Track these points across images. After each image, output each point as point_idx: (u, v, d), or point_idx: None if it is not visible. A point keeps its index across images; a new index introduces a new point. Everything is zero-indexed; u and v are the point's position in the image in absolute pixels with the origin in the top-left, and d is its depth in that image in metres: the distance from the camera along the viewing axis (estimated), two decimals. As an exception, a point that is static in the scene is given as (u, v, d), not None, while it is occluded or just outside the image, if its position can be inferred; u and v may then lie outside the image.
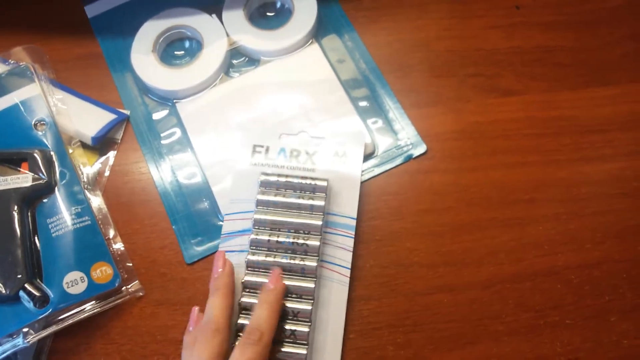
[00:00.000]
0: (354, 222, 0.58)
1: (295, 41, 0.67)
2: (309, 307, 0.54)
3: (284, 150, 0.60)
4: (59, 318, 0.55)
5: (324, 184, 0.57)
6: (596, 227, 0.60)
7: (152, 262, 0.60)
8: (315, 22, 0.67)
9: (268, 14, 0.71)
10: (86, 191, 0.61)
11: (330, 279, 0.56)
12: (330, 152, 0.60)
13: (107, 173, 0.64)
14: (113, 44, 0.70)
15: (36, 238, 0.57)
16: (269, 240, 0.55)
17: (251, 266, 0.55)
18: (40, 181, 0.59)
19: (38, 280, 0.56)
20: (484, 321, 0.57)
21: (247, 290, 0.55)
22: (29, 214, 0.58)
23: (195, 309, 0.55)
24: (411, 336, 0.56)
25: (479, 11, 0.70)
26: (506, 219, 0.60)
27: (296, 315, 0.53)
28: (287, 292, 0.54)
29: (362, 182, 0.61)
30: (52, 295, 0.55)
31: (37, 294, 0.54)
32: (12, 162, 0.60)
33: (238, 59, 0.68)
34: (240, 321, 0.53)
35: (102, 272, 0.57)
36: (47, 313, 0.54)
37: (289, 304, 0.54)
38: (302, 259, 0.55)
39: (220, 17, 0.68)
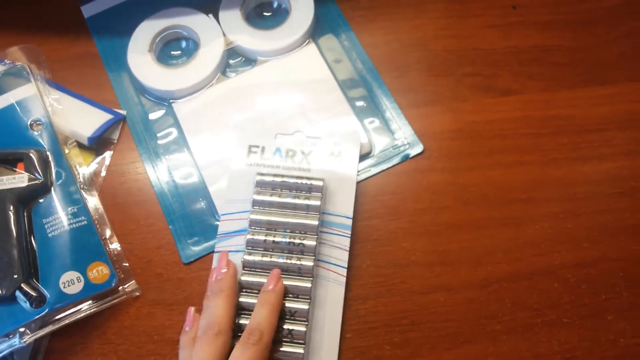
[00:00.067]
0: (350, 222, 0.58)
1: (292, 41, 0.67)
2: (306, 307, 0.54)
3: (279, 150, 0.60)
4: (56, 318, 0.55)
5: (320, 183, 0.57)
6: (593, 226, 0.60)
7: (148, 262, 0.60)
8: (312, 22, 0.67)
9: (265, 13, 0.70)
10: (82, 191, 0.61)
11: (327, 278, 0.56)
12: (326, 152, 0.60)
13: (103, 173, 0.64)
14: (109, 44, 0.70)
15: (32, 238, 0.57)
16: (265, 240, 0.55)
17: (247, 266, 0.55)
18: (36, 181, 0.59)
19: (34, 280, 0.56)
20: (481, 320, 0.56)
21: (244, 290, 0.55)
22: (25, 214, 0.58)
23: (191, 309, 0.54)
24: (408, 335, 0.56)
25: (476, 10, 0.70)
26: (503, 218, 0.60)
27: (293, 315, 0.53)
28: (284, 292, 0.54)
29: (359, 182, 0.61)
30: (49, 295, 0.55)
31: (33, 294, 0.54)
32: (8, 162, 0.60)
33: (235, 59, 0.68)
34: (238, 321, 0.53)
35: (99, 272, 0.57)
36: (44, 313, 0.54)
37: (286, 304, 0.54)
38: (299, 259, 0.54)
39: (217, 17, 0.68)
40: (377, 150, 0.63)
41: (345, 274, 0.56)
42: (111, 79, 0.68)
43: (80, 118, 0.65)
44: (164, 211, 0.62)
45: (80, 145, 0.64)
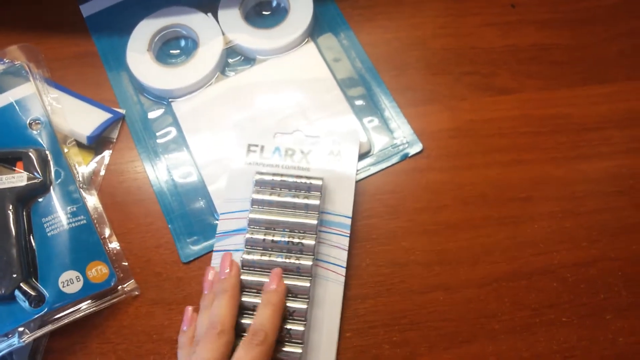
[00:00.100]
0: (349, 221, 0.58)
1: (291, 40, 0.67)
2: (305, 306, 0.54)
3: (278, 149, 0.60)
4: (55, 317, 0.55)
5: (319, 183, 0.57)
6: (592, 225, 0.60)
7: (147, 262, 0.60)
8: (311, 21, 0.67)
9: (264, 12, 0.70)
10: (81, 190, 0.61)
11: (326, 277, 0.56)
12: (325, 151, 0.60)
13: (102, 172, 0.64)
14: (108, 43, 0.70)
15: (31, 237, 0.57)
16: (264, 239, 0.55)
17: (246, 265, 0.55)
18: (36, 180, 0.59)
19: (33, 279, 0.56)
20: (479, 320, 0.57)
21: (244, 289, 0.54)
22: (24, 213, 0.58)
23: (189, 308, 0.55)
24: (407, 335, 0.56)
25: (475, 9, 0.70)
26: (502, 217, 0.60)
27: (292, 315, 0.53)
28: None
29: (358, 181, 0.61)
30: (48, 295, 0.55)
31: (32, 293, 0.54)
32: (7, 161, 0.60)
33: (234, 58, 0.68)
34: (246, 321, 0.53)
35: (98, 271, 0.57)
36: (43, 312, 0.54)
37: (285, 303, 0.54)
38: (298, 258, 0.54)
39: (216, 16, 0.68)
40: (376, 149, 0.63)
41: (344, 274, 0.56)
42: (110, 78, 0.68)
43: (79, 117, 0.65)
44: (163, 210, 0.62)
45: (79, 145, 0.64)
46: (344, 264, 0.56)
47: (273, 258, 0.55)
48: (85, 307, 0.56)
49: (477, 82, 0.66)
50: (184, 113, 0.65)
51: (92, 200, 0.61)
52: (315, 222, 0.55)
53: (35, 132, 0.62)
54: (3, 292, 0.54)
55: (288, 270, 0.55)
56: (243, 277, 0.54)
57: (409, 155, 0.63)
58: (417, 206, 0.61)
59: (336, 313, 0.56)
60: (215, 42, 0.67)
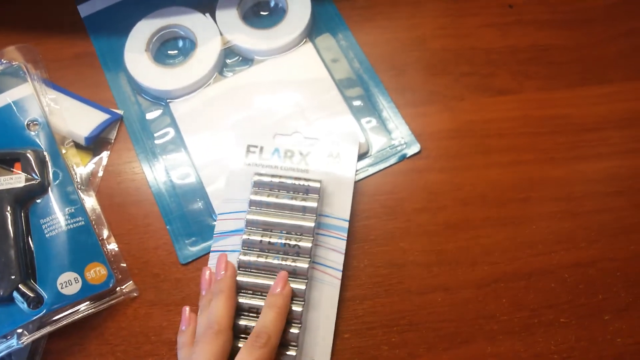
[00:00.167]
0: (346, 224, 0.57)
1: (289, 40, 0.66)
2: (300, 309, 0.53)
3: (278, 150, 0.60)
4: (53, 319, 0.55)
5: (317, 185, 0.57)
6: (591, 225, 0.60)
7: (146, 263, 0.60)
8: (309, 21, 0.67)
9: (262, 13, 0.70)
10: (79, 191, 0.60)
11: (322, 280, 0.56)
12: (324, 153, 0.60)
13: (100, 173, 0.64)
14: (106, 43, 0.69)
15: (30, 239, 0.57)
16: (261, 240, 0.55)
17: (243, 266, 0.55)
18: (33, 181, 0.59)
19: (32, 281, 0.56)
20: (478, 320, 0.57)
21: (241, 290, 0.55)
22: (22, 214, 0.58)
23: (186, 308, 0.55)
24: (406, 336, 0.56)
25: (474, 9, 0.70)
26: (501, 218, 0.60)
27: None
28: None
29: (356, 182, 0.61)
30: (46, 296, 0.55)
31: (31, 294, 0.54)
32: (5, 162, 0.59)
33: (232, 59, 0.68)
34: (238, 322, 0.53)
35: (96, 272, 0.57)
36: (41, 314, 0.54)
37: None
38: (294, 261, 0.54)
39: (213, 16, 0.68)
40: (374, 150, 0.63)
41: (340, 277, 0.56)
42: (108, 79, 0.68)
43: (77, 118, 0.65)
44: (161, 211, 0.62)
45: (77, 145, 0.64)
46: (341, 267, 0.56)
47: (269, 260, 0.54)
48: (83, 308, 0.56)
49: (476, 83, 0.66)
50: (182, 114, 0.65)
51: (90, 202, 0.61)
52: (312, 224, 0.55)
53: (33, 133, 0.62)
54: (1, 293, 0.54)
55: (284, 273, 0.55)
56: (240, 278, 0.54)
57: (407, 156, 0.63)
58: (415, 207, 0.61)
59: (331, 316, 0.55)
60: (213, 42, 0.67)
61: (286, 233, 0.56)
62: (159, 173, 0.63)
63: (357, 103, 0.65)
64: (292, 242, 0.55)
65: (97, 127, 0.64)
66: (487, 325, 0.56)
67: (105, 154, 0.64)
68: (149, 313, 0.58)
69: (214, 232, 0.58)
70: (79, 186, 0.61)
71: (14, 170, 0.59)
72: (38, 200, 0.59)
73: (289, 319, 0.53)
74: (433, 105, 0.65)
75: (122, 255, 0.60)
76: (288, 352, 0.53)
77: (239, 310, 0.53)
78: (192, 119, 0.65)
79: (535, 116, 0.64)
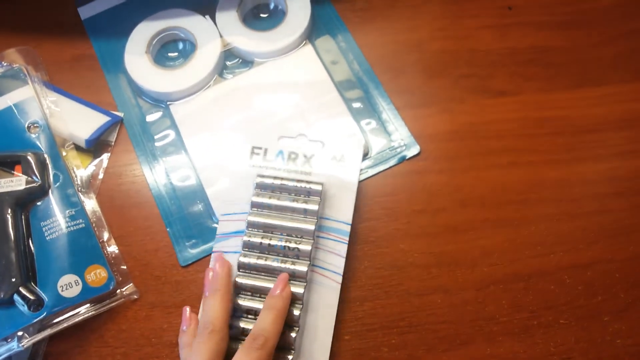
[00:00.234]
0: (348, 228, 0.57)
1: (289, 42, 0.67)
2: (298, 312, 0.53)
3: (282, 152, 0.60)
4: (54, 321, 0.55)
5: (319, 187, 0.57)
6: (589, 227, 0.60)
7: (146, 265, 0.60)
8: (308, 23, 0.67)
9: (261, 15, 0.70)
10: (80, 194, 0.61)
11: (321, 284, 0.56)
12: (328, 155, 0.59)
13: (101, 175, 0.64)
14: (106, 46, 0.70)
15: (30, 241, 0.57)
16: (261, 242, 0.55)
17: (243, 268, 0.55)
18: (34, 184, 0.59)
19: (32, 283, 0.56)
20: (478, 322, 0.57)
21: (241, 292, 0.55)
22: (23, 217, 0.58)
23: (187, 308, 0.55)
24: (405, 337, 0.56)
25: (472, 11, 0.70)
26: (500, 219, 0.60)
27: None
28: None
29: (356, 184, 0.61)
30: (47, 299, 0.55)
31: (31, 297, 0.54)
32: (6, 165, 0.60)
33: (232, 61, 0.68)
34: (239, 324, 0.53)
35: (97, 275, 0.57)
36: (42, 316, 0.54)
37: None
38: (293, 263, 0.54)
39: (213, 19, 0.68)
40: (373, 152, 0.63)
41: (340, 281, 0.56)
42: (108, 81, 0.68)
43: (78, 120, 0.65)
44: (161, 213, 0.62)
45: (77, 148, 0.64)
46: (341, 271, 0.56)
47: (269, 262, 0.54)
48: (84, 311, 0.56)
49: (475, 84, 0.66)
50: (182, 116, 0.65)
51: (90, 204, 0.62)
52: (312, 227, 0.55)
53: (33, 135, 0.62)
54: (2, 296, 0.54)
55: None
56: (239, 280, 0.54)
57: (407, 157, 0.63)
58: (415, 208, 0.61)
59: (330, 320, 0.55)
60: (213, 44, 0.67)
61: (286, 235, 0.56)
62: (159, 175, 0.63)
63: (356, 105, 0.65)
64: (292, 245, 0.55)
65: (97, 129, 0.64)
66: (487, 327, 0.56)
67: (105, 156, 0.65)
68: (150, 315, 0.58)
69: (217, 233, 0.58)
70: (79, 188, 0.61)
71: (14, 172, 0.59)
72: (38, 203, 0.59)
73: (287, 321, 0.53)
74: (432, 107, 0.65)
75: (122, 257, 0.60)
76: (285, 356, 0.52)
77: (239, 312, 0.53)
78: (192, 121, 0.65)
79: (534, 118, 0.65)
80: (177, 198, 0.62)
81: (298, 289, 0.54)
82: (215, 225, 0.60)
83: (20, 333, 0.54)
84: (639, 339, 0.56)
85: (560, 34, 0.69)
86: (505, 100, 0.65)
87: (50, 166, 0.61)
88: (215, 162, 0.63)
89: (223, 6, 0.69)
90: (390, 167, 0.63)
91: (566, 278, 0.58)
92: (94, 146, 0.64)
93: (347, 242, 0.56)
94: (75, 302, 0.56)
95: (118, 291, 0.58)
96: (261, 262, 0.55)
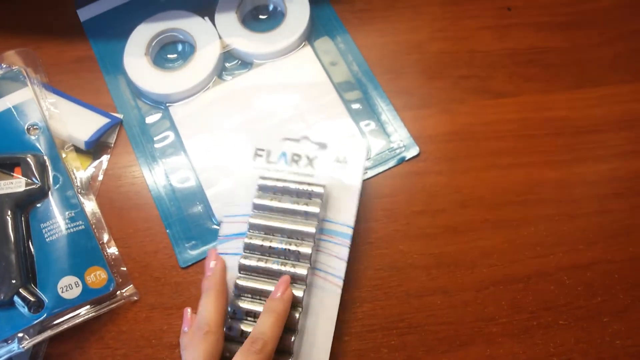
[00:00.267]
0: (350, 231, 0.55)
1: (288, 44, 0.67)
2: (297, 315, 0.53)
3: (285, 154, 0.59)
4: (54, 323, 0.56)
5: (320, 190, 0.56)
6: (589, 228, 0.60)
7: (146, 266, 0.60)
8: (307, 25, 0.67)
9: (261, 16, 0.71)
10: (80, 195, 0.61)
11: (322, 287, 0.55)
12: (331, 157, 0.58)
13: (100, 177, 0.64)
14: (106, 47, 0.70)
15: (30, 243, 0.57)
16: (262, 245, 0.54)
17: (244, 270, 0.55)
18: (34, 186, 0.59)
19: (32, 285, 0.56)
20: (477, 323, 0.57)
21: (242, 295, 0.54)
22: (23, 218, 0.58)
23: (188, 309, 0.54)
24: (405, 338, 0.56)
25: (472, 12, 0.70)
26: (499, 220, 0.60)
27: None
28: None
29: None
30: (47, 300, 0.55)
31: (31, 299, 0.55)
32: (5, 167, 0.60)
33: (231, 62, 0.68)
34: (240, 326, 0.53)
35: (97, 276, 0.57)
36: (42, 318, 0.55)
37: None
38: (293, 266, 0.53)
39: (212, 20, 0.68)
40: (373, 153, 0.63)
41: (341, 285, 0.54)
42: (108, 83, 0.68)
43: (77, 122, 0.65)
44: (161, 215, 0.62)
45: (77, 150, 0.64)
46: (342, 275, 0.54)
47: (269, 264, 0.54)
48: (84, 312, 0.56)
49: (474, 86, 0.66)
50: (181, 117, 0.65)
51: (90, 206, 0.62)
52: (313, 230, 0.54)
53: (33, 137, 0.62)
54: (2, 297, 0.54)
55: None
56: (240, 282, 0.54)
57: (406, 158, 0.63)
58: (414, 209, 0.61)
59: (330, 324, 0.54)
60: (212, 46, 0.67)
61: (287, 238, 0.55)
62: (159, 177, 0.63)
63: (356, 106, 0.65)
64: (292, 247, 0.54)
65: (97, 131, 0.64)
66: (486, 328, 0.57)
67: (105, 158, 0.65)
68: (150, 317, 0.58)
69: (219, 235, 0.58)
70: (79, 190, 0.61)
71: (14, 174, 0.59)
72: (38, 205, 0.59)
73: (287, 325, 0.52)
74: (432, 108, 0.65)
75: (122, 259, 0.60)
76: (282, 358, 0.52)
77: (239, 315, 0.53)
78: (191, 123, 0.65)
79: (534, 119, 0.65)
80: (176, 199, 0.62)
81: (298, 292, 0.53)
82: (215, 226, 0.61)
83: (20, 334, 0.54)
84: (638, 340, 0.56)
85: (559, 34, 0.69)
86: (505, 101, 0.66)
87: (49, 168, 0.61)
88: (214, 164, 0.63)
89: (222, 8, 0.69)
90: (390, 168, 0.63)
91: (566, 279, 0.58)
92: (94, 148, 0.65)
93: (349, 245, 0.55)
94: (76, 304, 0.56)
95: (118, 292, 0.58)
96: (261, 264, 0.54)
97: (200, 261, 0.60)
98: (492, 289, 0.58)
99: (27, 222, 0.58)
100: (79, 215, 0.59)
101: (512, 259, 0.59)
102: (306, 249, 0.54)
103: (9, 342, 0.54)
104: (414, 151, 0.63)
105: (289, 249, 0.54)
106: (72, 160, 0.63)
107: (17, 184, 0.59)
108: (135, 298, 0.59)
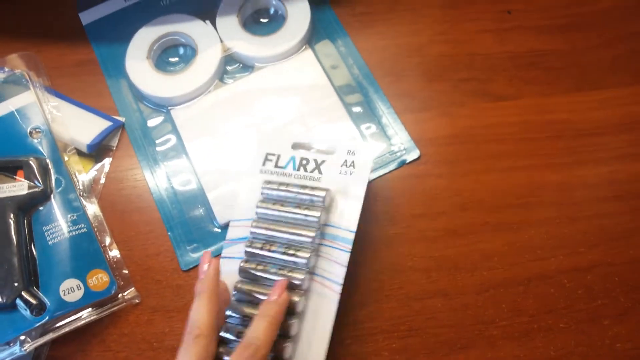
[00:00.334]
0: (352, 236, 0.54)
1: (289, 47, 0.67)
2: (293, 321, 0.51)
3: (293, 158, 0.58)
4: (56, 326, 0.56)
5: (322, 195, 0.54)
6: (589, 230, 0.60)
7: (147, 269, 0.60)
8: (308, 28, 0.67)
9: (262, 20, 0.71)
10: (82, 198, 0.61)
11: (320, 293, 0.53)
12: (339, 162, 0.57)
13: (102, 180, 0.64)
14: (108, 51, 0.70)
15: (32, 246, 0.58)
16: (261, 249, 0.54)
17: (243, 274, 0.54)
18: (36, 189, 0.59)
19: (34, 288, 0.56)
20: (478, 326, 0.57)
21: (241, 299, 0.54)
22: (25, 221, 0.58)
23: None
24: (406, 341, 0.57)
25: (472, 15, 0.70)
26: (499, 223, 0.60)
27: None
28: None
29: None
30: (49, 303, 0.55)
31: (33, 301, 0.55)
32: (8, 170, 0.60)
33: (232, 65, 0.68)
34: (240, 332, 0.51)
35: (98, 279, 0.57)
36: (44, 321, 0.55)
37: None
38: (291, 271, 0.53)
39: (214, 24, 0.68)
40: (374, 156, 0.63)
41: (339, 291, 0.53)
42: (110, 86, 0.68)
43: (80, 125, 0.65)
44: (162, 218, 0.62)
45: (79, 153, 0.65)
46: (341, 281, 0.53)
47: (268, 269, 0.53)
48: (86, 315, 0.57)
49: (475, 88, 0.66)
50: (183, 120, 0.66)
51: (92, 209, 0.62)
52: (312, 236, 0.53)
53: (35, 140, 0.62)
54: (4, 300, 0.54)
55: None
56: (239, 285, 0.53)
57: (407, 161, 0.63)
58: (415, 212, 0.61)
59: (326, 331, 0.52)
60: (214, 49, 0.67)
61: (286, 243, 0.54)
62: (161, 180, 0.64)
63: (356, 109, 0.65)
64: (291, 252, 0.53)
65: (99, 134, 0.64)
66: (487, 331, 0.57)
67: (107, 161, 0.65)
68: (151, 319, 0.59)
69: (226, 239, 0.57)
70: (81, 193, 0.61)
71: (16, 177, 0.60)
72: (41, 208, 0.59)
73: (281, 330, 0.50)
74: (432, 111, 0.65)
75: (124, 261, 0.60)
76: None
77: (238, 320, 0.52)
78: (193, 126, 0.65)
79: (534, 121, 0.65)
80: (178, 202, 0.63)
81: (294, 297, 0.52)
82: (217, 229, 0.61)
83: (22, 337, 0.54)
84: (638, 343, 0.56)
85: (559, 37, 0.69)
86: (505, 104, 0.66)
87: (52, 171, 0.61)
88: (216, 167, 0.63)
89: (223, 11, 0.69)
90: (390, 171, 0.63)
91: (566, 282, 0.58)
92: (96, 151, 0.65)
93: (350, 250, 0.54)
94: (77, 307, 0.56)
95: (120, 295, 0.59)
96: (260, 269, 0.53)
97: (202, 264, 0.60)
98: (492, 292, 0.58)
99: (29, 225, 0.59)
100: (81, 218, 0.59)
101: (512, 262, 0.59)
102: (304, 256, 0.53)
103: (11, 344, 0.55)
104: (414, 154, 0.63)
105: (287, 253, 0.53)
106: (74, 164, 0.63)
107: (19, 187, 0.59)
108: (137, 301, 0.59)
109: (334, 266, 0.54)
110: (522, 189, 0.62)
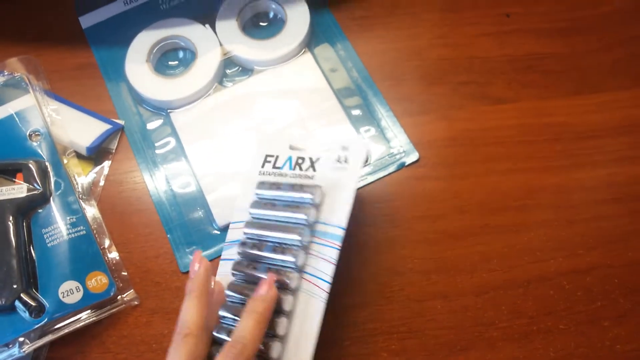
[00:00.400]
0: (341, 232, 0.53)
1: (288, 50, 0.67)
2: (280, 320, 0.50)
3: (290, 158, 0.58)
4: (55, 327, 0.56)
5: (309, 196, 0.54)
6: (588, 233, 0.60)
7: (146, 271, 0.60)
8: (307, 32, 0.68)
9: (261, 23, 0.71)
10: (81, 201, 0.61)
11: (308, 291, 0.52)
12: (332, 158, 0.56)
13: (101, 183, 0.64)
14: (107, 54, 0.70)
15: (31, 248, 0.58)
16: (252, 249, 0.53)
17: (235, 274, 0.54)
18: (35, 191, 0.59)
19: (34, 290, 0.56)
20: (477, 328, 0.57)
21: (233, 299, 0.53)
22: (24, 224, 0.59)
23: None
24: (406, 343, 0.57)
25: (471, 19, 0.70)
26: (499, 225, 0.61)
27: None
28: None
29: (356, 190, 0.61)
30: (48, 305, 0.55)
31: (32, 303, 0.55)
32: (7, 172, 0.60)
33: (231, 69, 0.69)
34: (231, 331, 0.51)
35: (98, 281, 0.57)
36: (43, 322, 0.55)
37: None
38: (280, 270, 0.52)
39: (213, 27, 0.69)
40: (373, 159, 0.63)
41: (327, 289, 0.51)
42: (109, 89, 0.68)
43: (79, 128, 0.65)
44: (162, 220, 0.62)
45: (78, 156, 0.65)
46: (329, 279, 0.51)
47: (257, 269, 0.53)
48: (85, 317, 0.57)
49: (474, 92, 0.66)
50: (182, 123, 0.66)
51: (91, 211, 0.62)
52: (299, 236, 0.52)
53: (35, 143, 0.62)
54: (3, 302, 0.54)
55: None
56: (231, 285, 0.53)
57: (406, 164, 0.63)
58: (414, 215, 0.61)
59: (314, 330, 0.51)
60: (213, 53, 0.67)
61: (276, 243, 0.53)
62: (160, 182, 0.64)
63: (356, 112, 0.66)
64: (280, 251, 0.52)
65: (98, 137, 0.64)
66: (487, 333, 0.57)
67: (106, 164, 0.65)
68: (150, 321, 0.58)
69: (225, 241, 0.57)
70: (80, 196, 0.62)
71: (16, 180, 0.60)
72: (40, 210, 0.59)
73: (269, 330, 0.49)
74: (431, 114, 0.66)
75: (123, 264, 0.60)
76: None
77: (228, 319, 0.51)
78: (192, 129, 0.65)
79: (532, 124, 0.65)
80: (177, 205, 0.63)
81: (283, 296, 0.51)
82: (216, 231, 0.61)
83: (21, 339, 0.54)
84: (638, 344, 0.56)
85: (558, 40, 0.69)
86: (503, 107, 0.66)
87: (51, 174, 0.61)
88: (215, 169, 0.63)
89: (223, 15, 0.69)
90: (390, 174, 0.63)
91: (565, 284, 0.58)
92: (95, 154, 0.65)
93: (340, 247, 0.52)
94: (76, 308, 0.56)
95: (119, 297, 0.58)
96: (249, 269, 0.53)
97: (201, 266, 0.60)
98: (492, 294, 0.58)
99: (28, 228, 0.59)
100: (80, 221, 0.59)
101: (511, 264, 0.59)
102: (293, 255, 0.52)
103: (10, 346, 0.55)
104: (413, 157, 0.63)
105: (276, 252, 0.52)
106: (73, 166, 0.64)
107: (19, 189, 0.59)
108: (136, 303, 0.59)
109: (323, 264, 0.53)
110: (520, 192, 0.62)
